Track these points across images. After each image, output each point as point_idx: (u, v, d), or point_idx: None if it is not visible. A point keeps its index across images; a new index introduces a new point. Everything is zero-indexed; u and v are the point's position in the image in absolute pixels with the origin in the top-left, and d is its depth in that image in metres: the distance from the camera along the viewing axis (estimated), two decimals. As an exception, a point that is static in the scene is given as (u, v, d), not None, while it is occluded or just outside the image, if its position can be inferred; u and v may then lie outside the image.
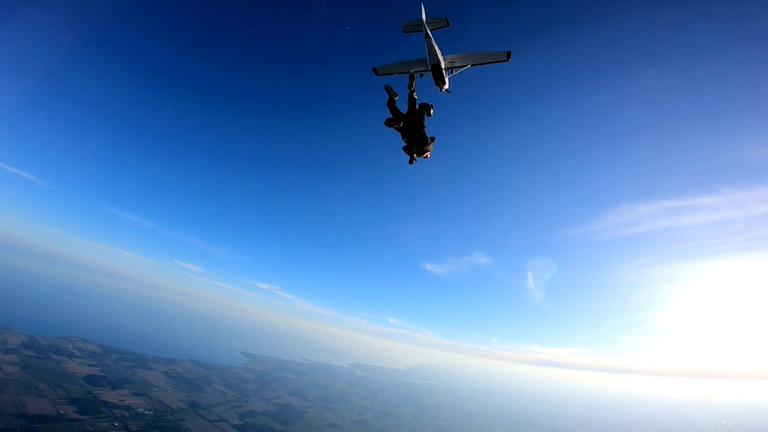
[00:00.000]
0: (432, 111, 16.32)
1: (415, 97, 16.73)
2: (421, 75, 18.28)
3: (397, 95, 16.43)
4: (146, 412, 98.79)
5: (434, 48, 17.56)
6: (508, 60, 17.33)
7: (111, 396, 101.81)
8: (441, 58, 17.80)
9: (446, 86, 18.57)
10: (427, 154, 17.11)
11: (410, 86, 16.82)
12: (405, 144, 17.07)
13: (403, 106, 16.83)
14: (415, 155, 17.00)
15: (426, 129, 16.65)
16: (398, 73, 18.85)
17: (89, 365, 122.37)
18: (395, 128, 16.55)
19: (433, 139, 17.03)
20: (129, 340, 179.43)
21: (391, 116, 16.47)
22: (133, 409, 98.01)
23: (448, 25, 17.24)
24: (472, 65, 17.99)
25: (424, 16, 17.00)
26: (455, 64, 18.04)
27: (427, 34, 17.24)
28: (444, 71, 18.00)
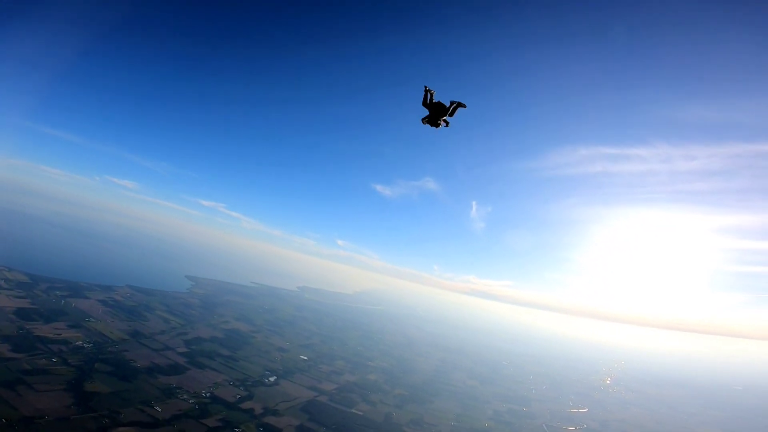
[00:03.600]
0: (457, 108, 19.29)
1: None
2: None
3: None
4: (85, 345, 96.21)
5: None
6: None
7: (45, 330, 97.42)
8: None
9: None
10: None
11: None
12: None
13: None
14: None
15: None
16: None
17: (17, 297, 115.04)
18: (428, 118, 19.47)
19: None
20: (59, 267, 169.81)
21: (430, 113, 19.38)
22: (71, 343, 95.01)
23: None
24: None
25: None
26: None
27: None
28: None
